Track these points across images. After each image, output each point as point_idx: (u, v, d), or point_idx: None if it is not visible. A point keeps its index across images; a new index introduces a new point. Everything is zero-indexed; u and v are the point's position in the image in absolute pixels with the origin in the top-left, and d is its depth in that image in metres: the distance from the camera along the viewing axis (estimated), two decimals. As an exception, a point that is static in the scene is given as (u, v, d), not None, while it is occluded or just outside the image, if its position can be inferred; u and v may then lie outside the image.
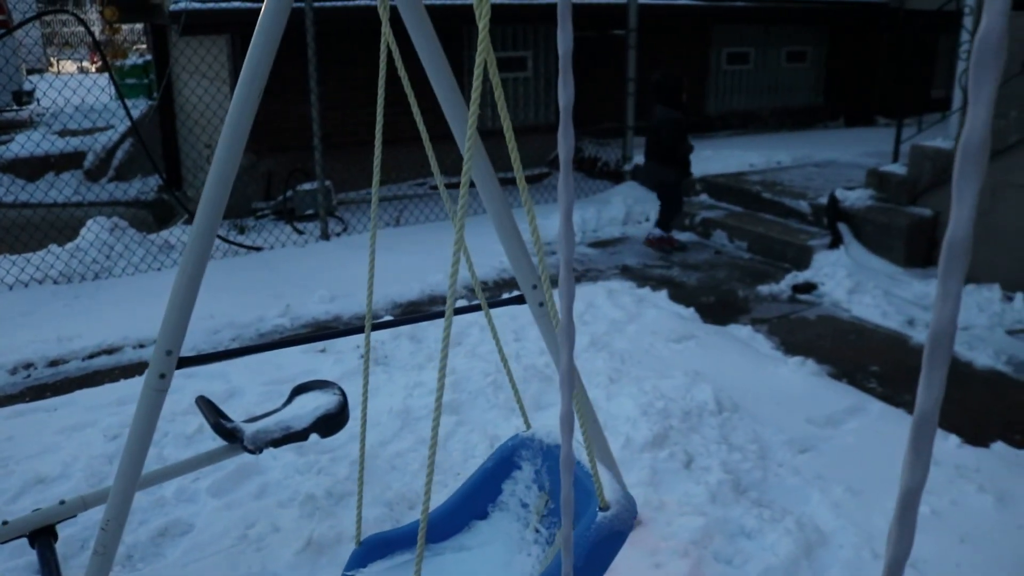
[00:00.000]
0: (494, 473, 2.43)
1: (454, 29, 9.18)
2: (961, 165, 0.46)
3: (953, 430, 3.93)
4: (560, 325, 0.73)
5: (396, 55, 1.97)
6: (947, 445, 3.80)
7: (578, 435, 2.07)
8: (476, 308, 2.84)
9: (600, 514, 1.95)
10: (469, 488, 2.46)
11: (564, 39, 0.78)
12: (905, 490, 0.52)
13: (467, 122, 2.31)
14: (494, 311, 5.20)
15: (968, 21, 6.58)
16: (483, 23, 1.20)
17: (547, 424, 2.45)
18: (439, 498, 2.58)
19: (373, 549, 2.46)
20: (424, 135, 2.14)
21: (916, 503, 0.53)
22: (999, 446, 3.83)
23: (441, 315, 3.09)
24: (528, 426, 2.48)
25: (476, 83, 1.25)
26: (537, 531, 2.29)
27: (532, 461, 2.38)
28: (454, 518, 2.42)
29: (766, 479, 3.52)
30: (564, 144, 0.76)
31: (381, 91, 1.95)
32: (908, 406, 4.27)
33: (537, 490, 2.35)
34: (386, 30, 1.84)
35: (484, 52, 1.23)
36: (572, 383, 0.80)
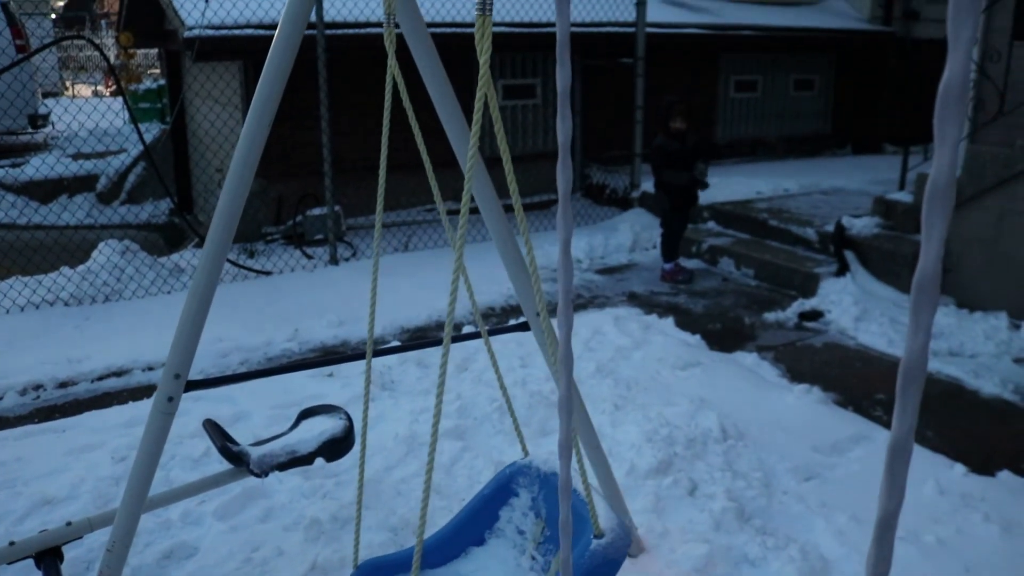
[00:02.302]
0: (491, 500, 2.44)
1: (462, 56, 9.28)
2: (929, 205, 0.49)
3: (959, 459, 3.92)
4: (559, 354, 0.75)
5: (401, 86, 2.01)
6: (953, 474, 3.79)
7: (574, 462, 2.09)
8: (478, 335, 2.87)
9: (595, 541, 1.97)
10: (466, 514, 2.47)
11: (563, 76, 0.81)
12: (882, 515, 0.54)
13: (484, 148, 2.36)
14: (500, 338, 5.24)
15: (974, 51, 6.63)
16: (484, 58, 1.24)
17: (548, 451, 2.46)
18: (442, 523, 2.59)
19: (370, 573, 2.47)
20: (426, 162, 2.17)
21: (893, 528, 0.55)
22: (1005, 475, 3.81)
23: (456, 339, 3.13)
24: (526, 453, 2.50)
25: (476, 116, 1.28)
26: (533, 558, 2.30)
27: (529, 488, 2.39)
28: (451, 544, 2.43)
29: (770, 507, 3.52)
30: (563, 177, 0.78)
31: (386, 123, 1.99)
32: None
33: (534, 517, 2.36)
34: (392, 62, 1.89)
35: (485, 87, 1.26)
36: (571, 410, 0.82)
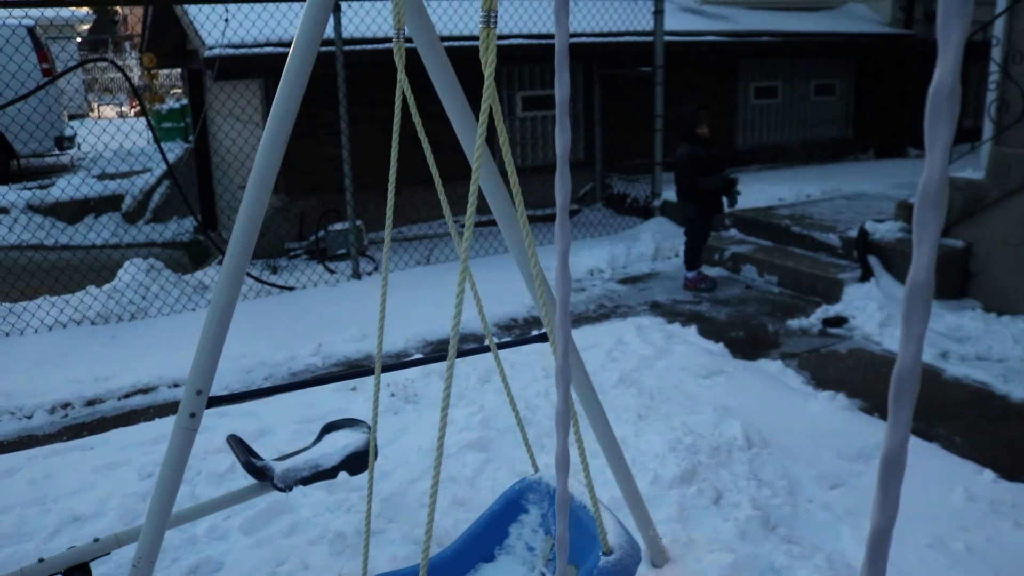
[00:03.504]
0: (501, 516, 2.44)
1: (472, 69, 9.31)
2: (920, 211, 0.49)
3: (989, 465, 3.86)
4: (556, 366, 0.75)
5: (410, 99, 2.02)
6: (982, 480, 3.74)
7: (581, 477, 2.08)
8: (487, 350, 2.86)
9: (603, 558, 1.95)
10: (476, 531, 2.46)
11: (561, 87, 0.81)
12: (875, 529, 0.54)
13: (497, 162, 2.36)
14: (524, 348, 5.23)
15: (996, 52, 6.56)
16: (489, 71, 1.25)
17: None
18: (464, 535, 2.59)
19: None
20: (435, 173, 2.19)
21: (887, 542, 0.54)
22: (1036, 481, 3.76)
23: (472, 352, 3.13)
24: (535, 469, 2.49)
25: (480, 129, 1.29)
26: (542, 575, 2.29)
27: (539, 504, 2.38)
28: (460, 560, 2.43)
29: (796, 515, 3.49)
30: (560, 189, 0.79)
31: (396, 138, 2.00)
32: (941, 440, 4.20)
33: (543, 534, 2.36)
34: (401, 76, 1.90)
35: (490, 99, 1.28)
36: (568, 423, 0.83)
